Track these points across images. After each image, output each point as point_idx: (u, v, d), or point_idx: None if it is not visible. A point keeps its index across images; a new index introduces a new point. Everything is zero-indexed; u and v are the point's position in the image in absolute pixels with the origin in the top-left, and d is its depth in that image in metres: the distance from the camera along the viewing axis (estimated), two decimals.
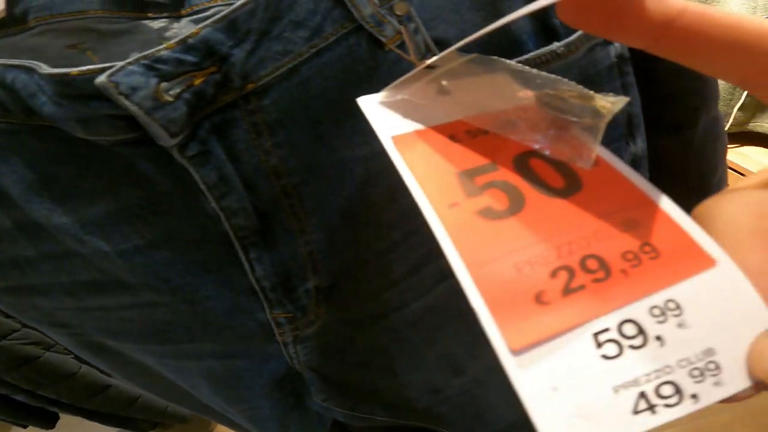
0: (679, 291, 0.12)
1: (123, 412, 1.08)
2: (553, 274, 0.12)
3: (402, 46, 0.20)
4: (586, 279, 0.12)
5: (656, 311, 0.12)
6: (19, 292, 0.26)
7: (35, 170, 0.20)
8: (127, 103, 0.16)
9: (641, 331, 0.12)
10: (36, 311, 0.27)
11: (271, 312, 0.26)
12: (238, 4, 0.17)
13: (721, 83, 1.02)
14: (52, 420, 1.21)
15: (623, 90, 0.26)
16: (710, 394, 0.11)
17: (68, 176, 0.20)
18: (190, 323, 0.26)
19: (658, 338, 0.12)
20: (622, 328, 0.12)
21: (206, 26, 0.17)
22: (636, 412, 0.11)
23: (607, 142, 0.27)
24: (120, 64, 0.16)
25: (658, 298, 0.12)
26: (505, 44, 0.23)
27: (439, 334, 0.32)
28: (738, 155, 0.95)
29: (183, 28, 0.20)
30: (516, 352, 0.11)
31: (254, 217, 0.21)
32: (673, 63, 0.30)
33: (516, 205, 0.14)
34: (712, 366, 0.11)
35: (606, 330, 0.12)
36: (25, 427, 1.23)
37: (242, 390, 0.33)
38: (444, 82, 0.17)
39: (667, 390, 0.11)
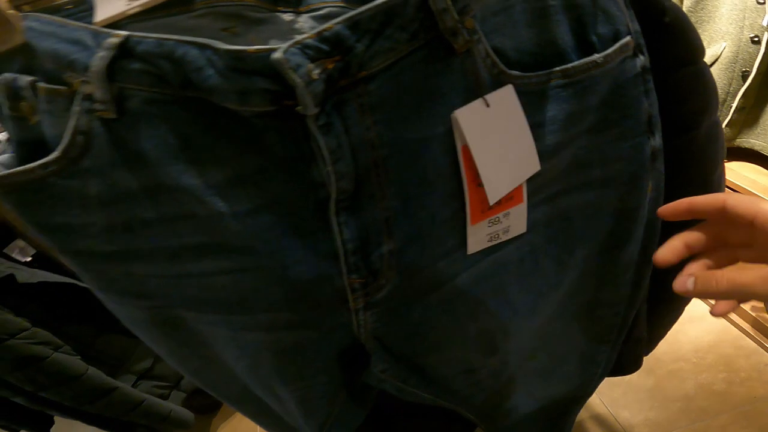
0: None
1: (125, 417, 1.06)
2: None
3: (468, 52, 0.25)
4: None
5: None
6: (118, 259, 0.28)
7: (177, 136, 0.23)
8: (294, 76, 0.20)
9: None
10: (126, 281, 0.29)
11: (348, 277, 0.28)
12: (362, 9, 0.21)
13: None
14: (46, 425, 1.20)
15: (646, 94, 0.31)
16: None
17: (203, 143, 0.23)
18: (276, 290, 0.29)
19: None
20: None
21: (337, 23, 0.21)
22: None
23: (631, 136, 0.32)
24: (284, 45, 0.20)
25: None
26: (553, 56, 0.28)
27: (482, 307, 0.35)
28: (726, 170, 1.01)
29: (305, 23, 0.24)
30: None
31: (353, 182, 0.25)
32: (681, 74, 0.35)
33: None
34: None
35: None
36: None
37: (303, 365, 0.35)
38: None
39: None
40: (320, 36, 0.21)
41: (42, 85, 0.23)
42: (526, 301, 0.37)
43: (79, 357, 0.92)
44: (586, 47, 0.28)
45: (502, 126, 0.26)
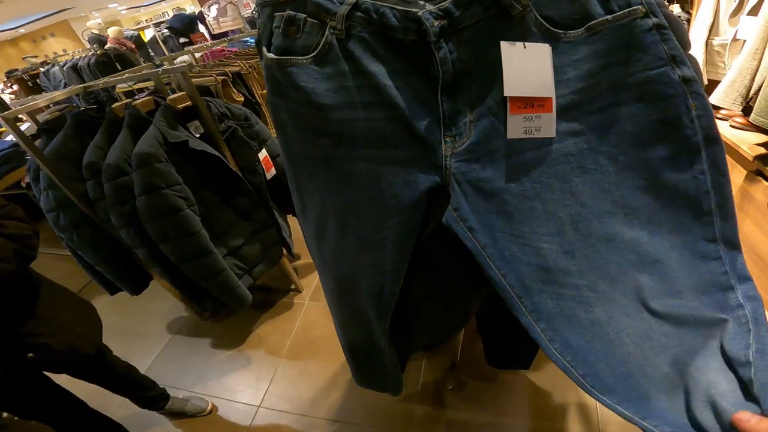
0: None
1: (205, 282, 1.19)
2: None
3: (523, 18, 0.43)
4: None
5: None
6: (327, 109, 0.47)
7: (370, 48, 0.45)
8: (427, 24, 0.41)
9: None
10: (322, 123, 0.48)
11: (444, 133, 0.46)
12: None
13: None
14: (141, 286, 1.44)
15: (664, 41, 0.43)
16: None
17: (382, 52, 0.45)
18: (405, 133, 0.47)
19: None
20: None
21: (449, 3, 0.42)
22: None
23: (655, 67, 0.43)
24: (425, 11, 0.41)
25: None
26: (585, 18, 0.42)
27: (546, 188, 0.46)
28: None
29: (434, 3, 0.43)
30: None
31: (452, 77, 0.44)
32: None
33: None
34: None
35: None
36: (114, 292, 1.40)
37: (405, 198, 0.50)
38: None
39: None
40: (439, 8, 0.42)
41: (310, 19, 0.46)
42: (592, 194, 0.47)
43: (199, 218, 1.13)
44: (609, 12, 0.43)
45: (530, 61, 0.44)
